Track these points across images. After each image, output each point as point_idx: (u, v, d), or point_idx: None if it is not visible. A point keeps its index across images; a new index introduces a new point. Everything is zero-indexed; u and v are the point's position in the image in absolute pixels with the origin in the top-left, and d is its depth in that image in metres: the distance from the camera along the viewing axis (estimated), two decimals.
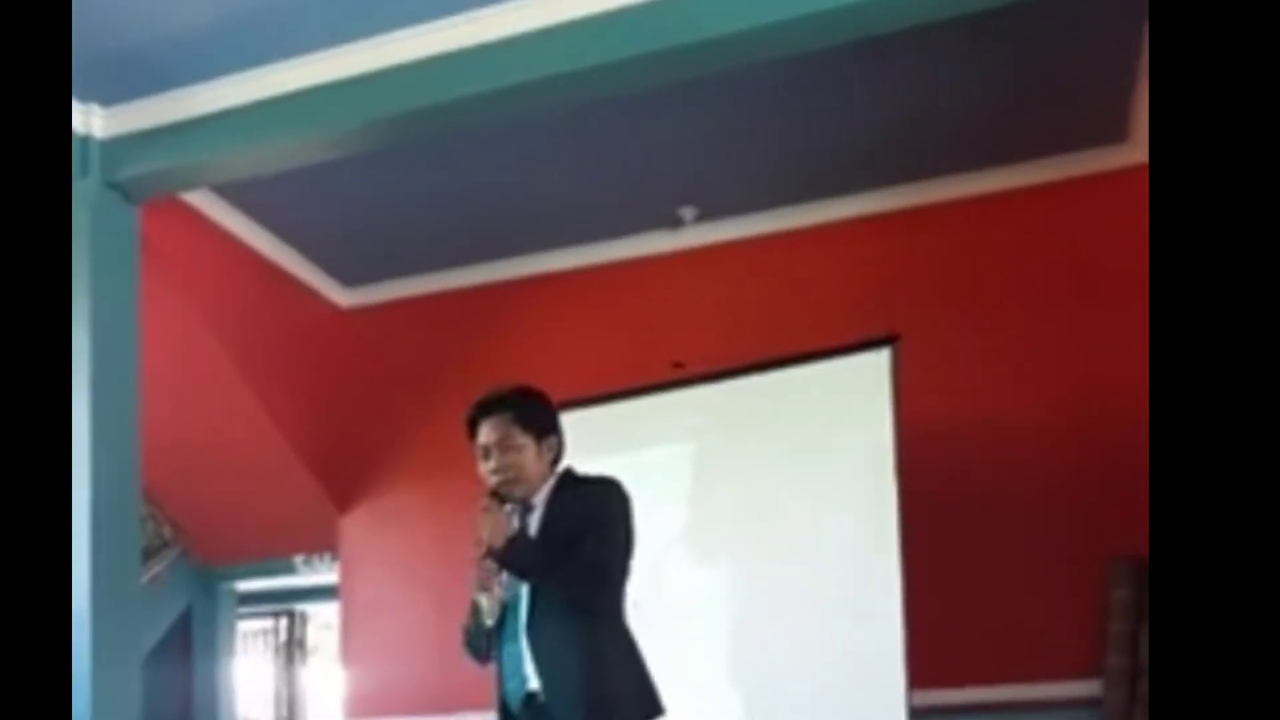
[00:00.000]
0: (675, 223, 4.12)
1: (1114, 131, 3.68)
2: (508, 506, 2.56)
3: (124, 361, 2.84)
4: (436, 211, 4.02)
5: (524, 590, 2.58)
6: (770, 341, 3.72)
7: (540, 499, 2.62)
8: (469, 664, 4.16)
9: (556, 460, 2.67)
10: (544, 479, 2.63)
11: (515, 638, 2.59)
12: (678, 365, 3.80)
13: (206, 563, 5.21)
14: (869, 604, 3.33)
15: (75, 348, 2.66)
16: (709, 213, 4.10)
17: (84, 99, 2.78)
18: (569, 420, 3.84)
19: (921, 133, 3.60)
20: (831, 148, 3.70)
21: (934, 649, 3.38)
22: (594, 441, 3.84)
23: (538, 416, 2.63)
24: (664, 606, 3.47)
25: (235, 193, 3.81)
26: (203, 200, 3.82)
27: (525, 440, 2.59)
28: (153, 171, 2.85)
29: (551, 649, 2.53)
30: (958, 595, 3.64)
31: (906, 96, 3.42)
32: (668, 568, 3.64)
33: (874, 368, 3.39)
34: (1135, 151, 3.66)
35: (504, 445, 2.58)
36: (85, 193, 2.77)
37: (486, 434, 2.60)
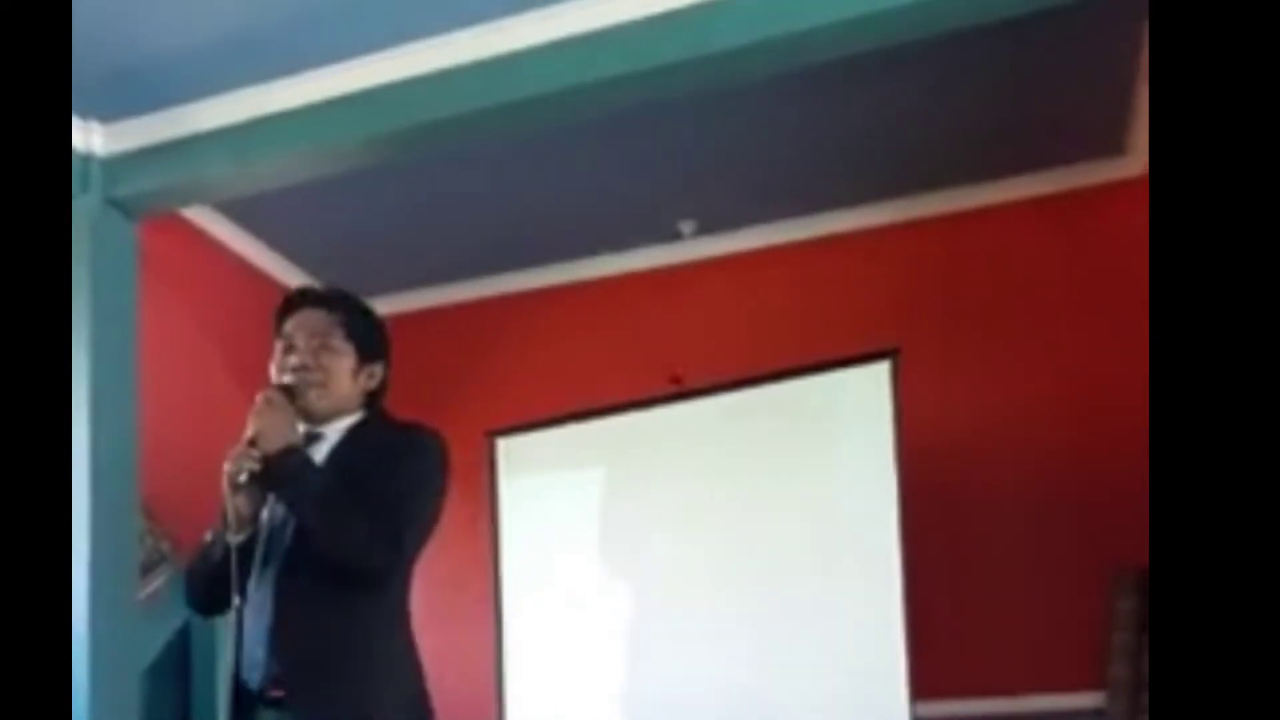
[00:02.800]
0: (675, 236, 4.12)
1: (1112, 144, 3.68)
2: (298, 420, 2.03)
3: (123, 377, 2.83)
4: (435, 226, 4.02)
5: (283, 537, 2.01)
6: (769, 355, 3.72)
7: (335, 430, 2.11)
8: (465, 675, 4.14)
9: (374, 397, 2.15)
10: (350, 407, 2.12)
11: (261, 602, 2.01)
12: (676, 380, 3.80)
13: None
14: (870, 616, 3.32)
15: (75, 364, 2.64)
16: (708, 226, 4.10)
17: (84, 116, 2.77)
18: (566, 434, 3.85)
19: (920, 146, 3.61)
20: (829, 161, 3.70)
21: (936, 660, 3.36)
22: (590, 454, 3.85)
23: (369, 333, 2.15)
24: (661, 619, 3.46)
25: (234, 207, 3.81)
26: (201, 215, 3.81)
27: (346, 348, 2.10)
28: (153, 188, 2.83)
29: (304, 627, 1.96)
30: (959, 606, 3.63)
31: (906, 110, 3.42)
32: (665, 582, 3.63)
33: (874, 381, 3.39)
34: (1134, 164, 3.67)
35: (317, 343, 2.08)
36: (85, 210, 2.76)
37: (298, 323, 2.10)
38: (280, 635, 2.00)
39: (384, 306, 4.66)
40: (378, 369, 2.18)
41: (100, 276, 2.76)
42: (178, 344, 3.93)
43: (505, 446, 3.88)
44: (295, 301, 2.17)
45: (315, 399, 2.08)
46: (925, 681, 3.32)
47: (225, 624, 5.82)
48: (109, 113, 2.78)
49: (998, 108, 3.45)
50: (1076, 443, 3.68)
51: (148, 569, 4.68)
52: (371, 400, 2.17)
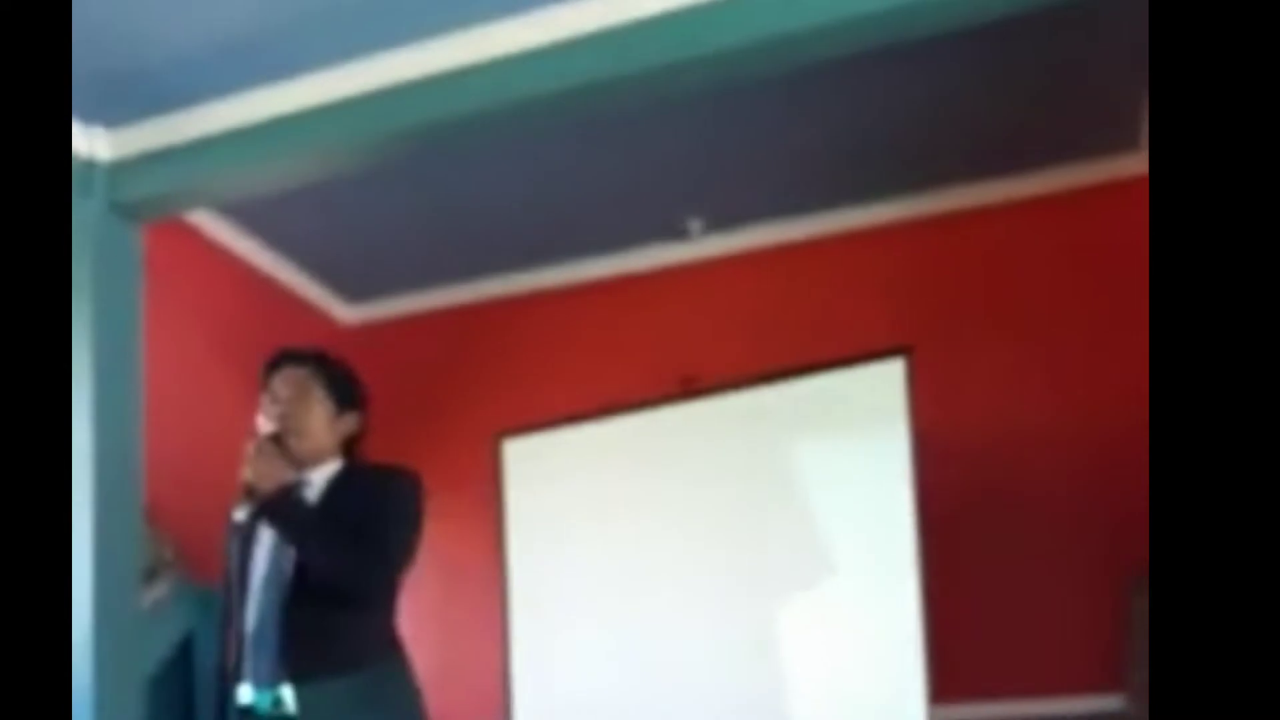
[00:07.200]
0: (683, 234, 4.08)
1: (1127, 139, 3.64)
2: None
3: (127, 383, 2.80)
4: (440, 227, 3.99)
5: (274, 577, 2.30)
6: (781, 355, 3.68)
7: (320, 476, 2.40)
8: (470, 679, 4.09)
9: (352, 445, 2.45)
10: (329, 454, 2.43)
11: (262, 634, 2.31)
12: (686, 380, 3.76)
13: (209, 584, 5.13)
14: (887, 618, 3.28)
15: (78, 369, 2.63)
16: (717, 224, 4.06)
17: (87, 121, 2.74)
18: (574, 436, 3.81)
19: (937, 140, 3.57)
20: (843, 157, 3.65)
21: (954, 663, 3.32)
22: (598, 456, 3.81)
23: (341, 385, 2.45)
24: (673, 623, 3.42)
25: (239, 211, 3.78)
26: (205, 219, 3.78)
27: (323, 398, 2.42)
28: (157, 193, 2.80)
29: (308, 646, 2.24)
30: (978, 608, 3.59)
31: (922, 103, 3.39)
32: (675, 585, 3.59)
33: (887, 379, 3.35)
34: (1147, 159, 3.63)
35: (296, 397, 2.40)
36: (89, 215, 2.72)
37: (280, 383, 2.43)
38: (288, 653, 2.27)
39: (386, 309, 4.68)
40: (353, 418, 2.47)
41: (104, 282, 2.72)
42: (181, 349, 3.90)
43: (512, 449, 3.83)
44: (278, 360, 2.45)
45: (296, 444, 2.36)
46: (943, 684, 3.28)
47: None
48: (112, 117, 2.75)
49: (1016, 102, 3.41)
50: (1095, 443, 3.63)
51: (151, 576, 4.64)
52: (349, 446, 2.45)
